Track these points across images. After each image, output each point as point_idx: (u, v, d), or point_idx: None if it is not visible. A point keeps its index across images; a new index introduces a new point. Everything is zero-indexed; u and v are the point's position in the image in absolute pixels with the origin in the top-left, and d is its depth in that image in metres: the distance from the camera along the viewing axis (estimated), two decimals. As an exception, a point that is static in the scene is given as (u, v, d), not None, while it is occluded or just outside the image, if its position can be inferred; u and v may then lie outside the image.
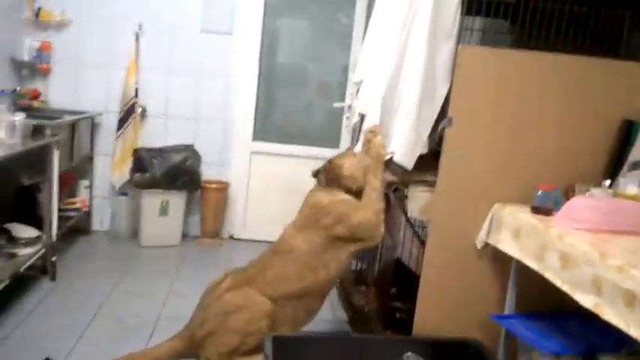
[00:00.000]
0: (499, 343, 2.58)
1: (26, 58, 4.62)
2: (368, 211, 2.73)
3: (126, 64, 4.72)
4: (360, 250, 2.85)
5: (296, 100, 5.24)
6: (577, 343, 2.14)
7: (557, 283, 1.95)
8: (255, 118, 5.07)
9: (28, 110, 3.96)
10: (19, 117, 3.45)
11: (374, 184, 2.77)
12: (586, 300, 1.79)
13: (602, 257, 1.75)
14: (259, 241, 4.65)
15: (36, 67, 4.66)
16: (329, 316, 3.54)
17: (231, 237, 5.15)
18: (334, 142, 5.05)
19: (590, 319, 1.86)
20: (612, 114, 2.56)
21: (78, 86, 4.79)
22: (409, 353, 2.52)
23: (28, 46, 4.63)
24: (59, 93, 4.76)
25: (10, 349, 2.90)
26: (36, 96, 4.59)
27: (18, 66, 4.59)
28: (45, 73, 4.72)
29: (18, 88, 4.49)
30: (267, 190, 5.05)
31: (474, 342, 2.55)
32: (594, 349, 2.10)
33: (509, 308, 2.52)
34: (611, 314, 1.67)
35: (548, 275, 2.02)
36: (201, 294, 2.92)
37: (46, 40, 4.67)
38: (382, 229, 2.77)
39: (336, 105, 4.47)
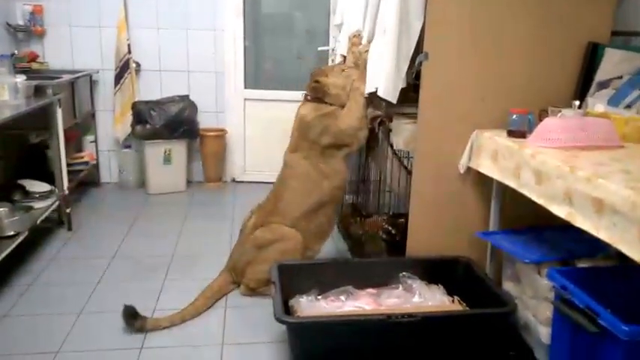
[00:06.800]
0: (486, 258, 2.68)
1: (21, 22, 4.58)
2: (351, 117, 2.86)
3: (116, 22, 4.68)
4: (349, 154, 2.98)
5: (283, 48, 5.20)
6: (556, 252, 2.23)
7: (534, 197, 2.02)
8: (245, 68, 5.05)
9: (28, 72, 3.96)
10: (21, 79, 3.48)
11: (361, 89, 2.87)
12: (560, 211, 1.86)
13: (572, 170, 1.80)
14: (259, 183, 4.78)
15: (31, 30, 4.61)
16: (331, 246, 3.60)
17: (233, 180, 5.21)
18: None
19: (567, 230, 1.94)
20: (579, 38, 2.58)
21: (72, 46, 4.76)
22: (404, 273, 2.64)
23: (21, 10, 4.58)
24: (55, 54, 4.72)
25: (35, 294, 2.98)
26: (34, 58, 4.56)
27: (14, 30, 4.55)
28: (40, 36, 4.68)
29: (16, 52, 4.50)
30: (263, 134, 5.06)
31: (463, 258, 2.65)
32: (572, 255, 2.17)
33: (493, 226, 2.60)
34: (583, 221, 1.74)
35: (526, 192, 2.08)
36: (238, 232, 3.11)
37: (38, 3, 4.60)
38: (365, 132, 2.90)
39: (321, 49, 4.46)
